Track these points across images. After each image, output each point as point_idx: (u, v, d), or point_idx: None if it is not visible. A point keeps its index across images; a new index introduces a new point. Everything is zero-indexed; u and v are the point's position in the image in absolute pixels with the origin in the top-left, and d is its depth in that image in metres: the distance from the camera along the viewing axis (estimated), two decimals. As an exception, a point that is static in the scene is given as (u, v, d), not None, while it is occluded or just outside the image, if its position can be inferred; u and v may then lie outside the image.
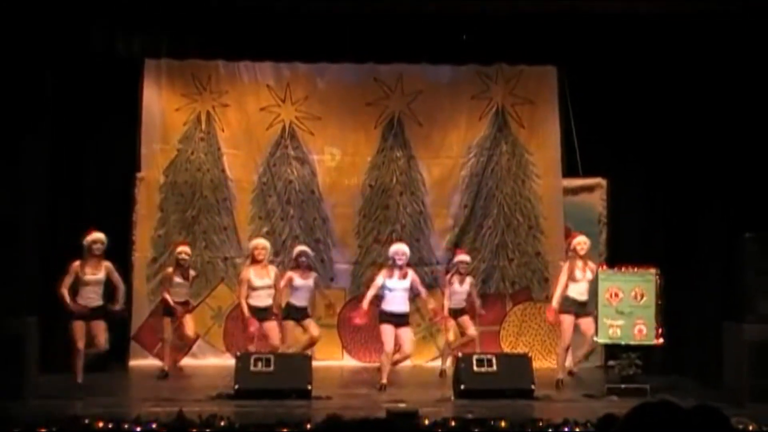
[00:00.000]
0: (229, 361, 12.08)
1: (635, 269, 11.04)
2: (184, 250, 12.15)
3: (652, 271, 10.95)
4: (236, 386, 10.36)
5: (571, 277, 11.18)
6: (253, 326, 11.32)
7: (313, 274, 12.06)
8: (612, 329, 10.90)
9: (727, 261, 11.05)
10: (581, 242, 11.35)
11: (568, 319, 11.20)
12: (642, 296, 10.85)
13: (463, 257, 12.37)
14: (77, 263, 10.81)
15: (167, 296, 11.96)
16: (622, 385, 10.63)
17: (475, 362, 10.70)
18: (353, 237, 13.88)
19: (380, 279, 11.18)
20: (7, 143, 10.84)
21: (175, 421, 7.93)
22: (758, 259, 10.31)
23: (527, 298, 13.90)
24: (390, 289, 11.09)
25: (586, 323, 11.13)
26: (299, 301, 11.77)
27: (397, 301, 11.09)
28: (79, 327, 10.74)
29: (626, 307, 10.84)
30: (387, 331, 11.08)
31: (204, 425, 7.85)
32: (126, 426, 7.86)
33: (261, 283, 11.41)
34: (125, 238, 13.44)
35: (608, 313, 10.89)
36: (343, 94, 13.92)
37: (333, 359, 13.09)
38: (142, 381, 11.82)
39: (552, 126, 13.88)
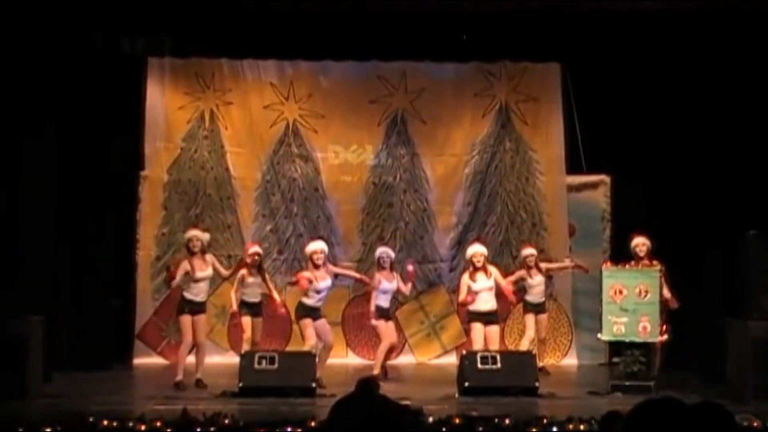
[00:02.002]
0: (233, 359, 12.10)
1: (639, 266, 11.03)
2: (256, 251, 11.94)
3: (656, 267, 10.93)
4: (240, 384, 10.37)
5: None
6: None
7: (395, 275, 11.93)
8: (616, 326, 10.88)
9: (730, 258, 11.04)
10: (640, 243, 11.22)
11: None
12: (646, 293, 10.83)
13: (529, 251, 12.44)
14: (186, 262, 11.10)
15: (234, 296, 11.75)
16: (626, 382, 10.63)
17: (479, 360, 10.71)
18: (357, 235, 13.88)
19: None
20: (9, 142, 10.84)
21: (180, 419, 7.93)
22: (762, 257, 10.30)
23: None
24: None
25: None
26: (385, 302, 11.75)
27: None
28: (186, 321, 11.06)
29: (630, 304, 10.83)
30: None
31: (208, 423, 7.85)
32: (130, 424, 7.86)
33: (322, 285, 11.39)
34: (129, 236, 13.46)
35: (612, 310, 10.87)
36: (346, 92, 13.92)
37: (337, 357, 13.08)
38: (147, 379, 11.82)
39: (556, 123, 13.87)
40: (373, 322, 11.68)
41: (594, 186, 13.92)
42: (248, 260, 11.57)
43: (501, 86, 13.93)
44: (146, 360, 13.18)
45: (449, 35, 12.86)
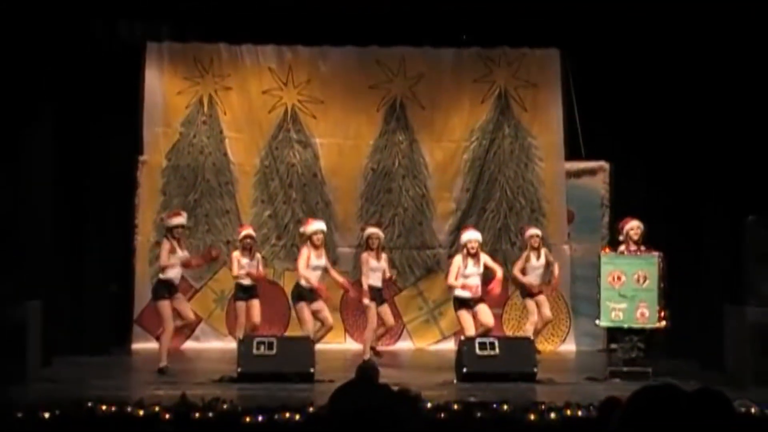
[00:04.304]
0: (231, 344, 12.11)
1: (638, 252, 11.03)
2: (248, 233, 12.03)
3: (655, 254, 10.93)
4: (239, 370, 10.39)
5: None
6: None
7: (384, 255, 12.06)
8: (614, 312, 10.89)
9: (729, 244, 11.04)
10: (634, 227, 11.19)
11: None
12: (645, 279, 10.83)
13: (534, 231, 12.50)
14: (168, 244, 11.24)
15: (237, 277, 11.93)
16: (624, 368, 10.64)
17: (477, 346, 10.72)
18: (356, 221, 13.87)
19: None
20: (8, 129, 10.82)
21: (178, 404, 7.93)
22: (761, 243, 10.29)
23: (530, 282, 13.89)
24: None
25: None
26: (376, 281, 11.83)
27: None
28: (167, 306, 11.11)
29: (629, 290, 10.83)
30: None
31: (207, 408, 7.85)
32: (129, 409, 7.86)
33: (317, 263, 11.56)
34: (128, 221, 13.46)
35: (611, 296, 10.88)
36: (345, 78, 13.89)
37: (335, 342, 13.08)
38: (145, 364, 11.83)
39: (555, 109, 13.86)
40: (366, 302, 11.71)
41: (593, 172, 13.92)
42: (240, 243, 11.65)
43: (500, 72, 13.91)
44: (145, 345, 13.17)
45: (449, 21, 12.82)
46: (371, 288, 11.71)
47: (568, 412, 7.95)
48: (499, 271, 11.61)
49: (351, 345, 13.53)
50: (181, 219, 11.47)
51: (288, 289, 12.06)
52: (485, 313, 11.41)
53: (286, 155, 13.86)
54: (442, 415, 7.86)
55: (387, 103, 13.93)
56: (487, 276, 11.61)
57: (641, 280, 10.83)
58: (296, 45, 13.76)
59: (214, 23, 13.15)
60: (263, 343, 10.62)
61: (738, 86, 11.19)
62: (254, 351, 10.51)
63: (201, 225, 13.62)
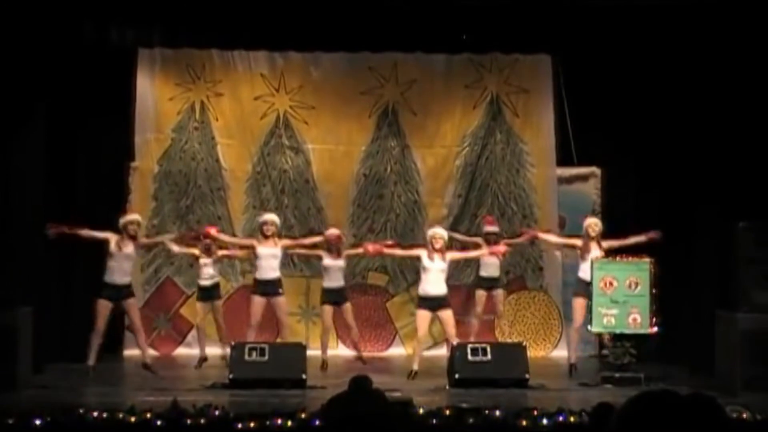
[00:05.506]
0: (222, 350, 12.12)
1: (629, 258, 11.05)
2: (210, 233, 12.22)
3: (647, 260, 10.95)
4: (231, 376, 10.38)
5: (583, 257, 11.38)
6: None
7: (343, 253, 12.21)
8: (606, 318, 10.91)
9: (721, 250, 11.06)
10: (592, 224, 11.45)
11: (580, 302, 11.37)
12: (636, 285, 10.86)
13: (492, 228, 12.60)
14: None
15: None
16: (617, 374, 10.65)
17: (469, 351, 10.72)
18: (347, 226, 13.84)
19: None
20: (0, 134, 10.80)
21: (170, 410, 7.93)
22: (752, 249, 10.32)
23: (521, 287, 13.91)
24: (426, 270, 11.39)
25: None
26: (329, 282, 12.01)
27: (433, 282, 11.38)
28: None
29: (620, 296, 10.85)
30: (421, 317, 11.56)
31: (198, 415, 7.85)
32: (120, 416, 7.86)
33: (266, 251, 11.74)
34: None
35: (602, 302, 10.90)
36: (337, 84, 13.89)
37: (328, 348, 13.05)
38: (137, 371, 11.80)
39: (546, 115, 13.87)
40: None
41: (585, 178, 13.93)
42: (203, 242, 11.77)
43: (492, 78, 13.92)
44: (136, 351, 13.08)
45: (440, 27, 12.84)
46: (323, 290, 12.06)
47: (560, 418, 7.96)
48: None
49: (343, 351, 13.51)
50: (132, 216, 11.55)
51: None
52: (447, 322, 11.38)
53: (278, 161, 13.86)
54: (434, 420, 7.88)
55: (379, 109, 13.93)
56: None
57: (633, 286, 10.85)
58: (288, 51, 13.76)
59: (206, 29, 13.13)
60: (255, 349, 10.62)
61: (729, 91, 11.22)
62: (246, 357, 10.51)
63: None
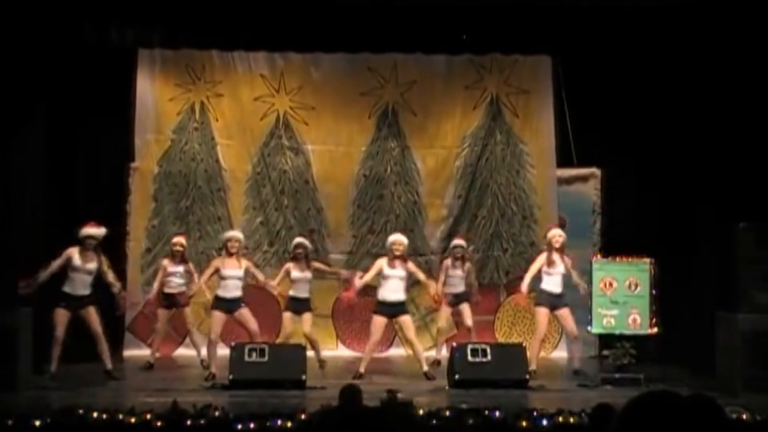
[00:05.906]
0: (223, 351, 12.09)
1: (629, 259, 11.05)
2: (179, 241, 12.15)
3: (647, 260, 10.95)
4: (230, 377, 10.38)
5: (547, 270, 11.32)
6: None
7: (313, 265, 11.93)
8: (606, 319, 10.91)
9: (721, 251, 11.06)
10: (556, 235, 11.47)
11: (542, 312, 11.37)
12: (636, 286, 10.86)
13: (458, 242, 12.48)
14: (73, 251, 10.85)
15: (159, 286, 12.01)
16: (617, 375, 10.65)
17: (469, 352, 10.72)
18: (347, 227, 13.87)
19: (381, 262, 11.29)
20: (0, 134, 10.80)
21: (170, 411, 7.92)
22: (752, 250, 10.32)
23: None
24: (386, 277, 11.18)
25: (563, 315, 11.31)
26: (299, 292, 11.75)
27: (393, 289, 11.17)
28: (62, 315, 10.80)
29: (620, 296, 10.85)
30: (378, 322, 11.25)
31: (198, 415, 7.84)
32: (120, 417, 7.85)
33: (231, 273, 11.25)
34: (119, 228, 13.42)
35: (602, 302, 10.90)
36: (337, 84, 13.90)
37: (327, 349, 13.07)
38: (137, 372, 11.81)
39: (546, 116, 13.88)
40: (285, 313, 11.79)
41: (584, 179, 13.93)
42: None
43: (492, 79, 13.93)
44: (136, 352, 13.15)
45: (440, 27, 12.84)
46: (288, 299, 11.72)
47: (560, 419, 7.96)
48: (421, 276, 11.58)
49: (343, 351, 13.53)
50: (90, 230, 10.89)
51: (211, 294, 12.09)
52: (407, 327, 11.39)
53: (277, 162, 13.87)
54: (434, 421, 7.87)
55: (379, 109, 13.94)
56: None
57: (633, 287, 10.86)
58: (288, 52, 13.77)
59: (206, 30, 13.14)
60: (255, 350, 10.61)
61: (728, 92, 11.22)
62: (246, 358, 10.51)
63: (193, 232, 13.60)
